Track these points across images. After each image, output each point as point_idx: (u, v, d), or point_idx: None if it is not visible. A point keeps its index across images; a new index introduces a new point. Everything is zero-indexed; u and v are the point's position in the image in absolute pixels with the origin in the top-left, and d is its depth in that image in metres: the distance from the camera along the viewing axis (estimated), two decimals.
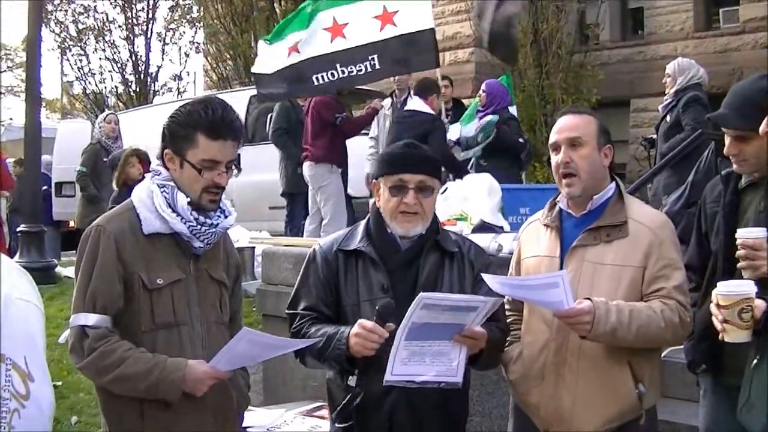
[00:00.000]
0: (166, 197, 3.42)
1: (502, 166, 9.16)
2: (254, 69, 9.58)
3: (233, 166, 3.49)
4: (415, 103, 9.36)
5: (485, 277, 3.44)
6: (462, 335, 3.41)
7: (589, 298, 3.48)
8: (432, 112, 9.29)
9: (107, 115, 12.67)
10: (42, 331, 2.49)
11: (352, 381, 3.52)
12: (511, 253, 4.26)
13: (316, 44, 9.15)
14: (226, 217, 3.56)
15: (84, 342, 3.30)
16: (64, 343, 3.43)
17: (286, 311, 3.81)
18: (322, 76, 9.13)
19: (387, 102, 10.87)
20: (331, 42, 9.03)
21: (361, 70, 8.97)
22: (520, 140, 9.64)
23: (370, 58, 8.91)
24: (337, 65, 9.04)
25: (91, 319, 3.33)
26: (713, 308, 3.22)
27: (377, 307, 3.46)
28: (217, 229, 3.49)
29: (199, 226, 3.42)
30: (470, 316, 3.38)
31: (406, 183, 3.63)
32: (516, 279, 3.76)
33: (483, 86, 9.86)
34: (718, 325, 3.17)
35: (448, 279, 3.67)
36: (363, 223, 3.83)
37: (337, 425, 3.71)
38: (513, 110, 10.39)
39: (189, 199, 3.42)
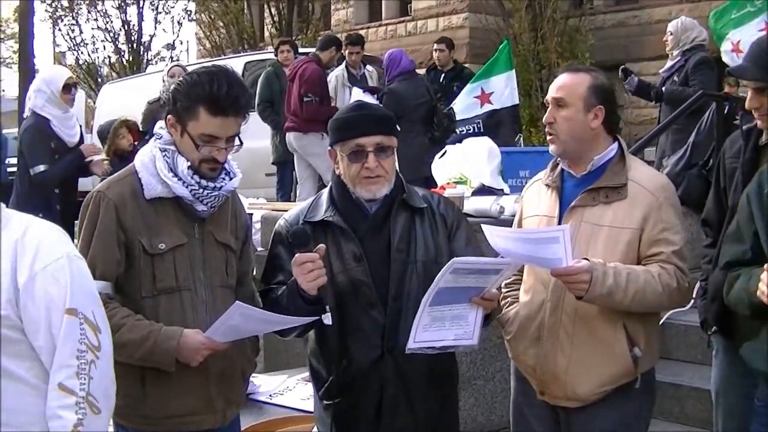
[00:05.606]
0: (167, 161, 3.36)
1: None
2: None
3: (237, 141, 3.43)
4: None
5: (485, 228, 3.35)
6: (481, 297, 3.33)
7: (586, 258, 3.42)
8: None
9: (171, 68, 10.04)
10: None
11: (326, 319, 3.26)
12: (513, 215, 4.20)
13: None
14: (231, 179, 3.49)
15: None
16: None
17: (260, 289, 3.64)
18: None
19: (341, 71, 11.35)
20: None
21: None
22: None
23: None
24: None
25: None
26: (763, 282, 3.01)
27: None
28: (220, 192, 3.42)
29: (201, 190, 3.36)
30: (492, 278, 3.31)
31: (364, 147, 3.45)
32: (516, 231, 3.65)
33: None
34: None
35: (422, 236, 3.52)
36: (325, 192, 3.65)
37: (325, 402, 3.57)
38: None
39: (189, 164, 3.36)
